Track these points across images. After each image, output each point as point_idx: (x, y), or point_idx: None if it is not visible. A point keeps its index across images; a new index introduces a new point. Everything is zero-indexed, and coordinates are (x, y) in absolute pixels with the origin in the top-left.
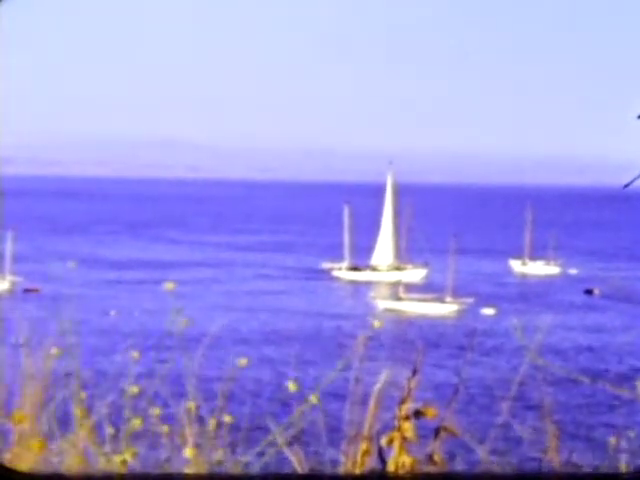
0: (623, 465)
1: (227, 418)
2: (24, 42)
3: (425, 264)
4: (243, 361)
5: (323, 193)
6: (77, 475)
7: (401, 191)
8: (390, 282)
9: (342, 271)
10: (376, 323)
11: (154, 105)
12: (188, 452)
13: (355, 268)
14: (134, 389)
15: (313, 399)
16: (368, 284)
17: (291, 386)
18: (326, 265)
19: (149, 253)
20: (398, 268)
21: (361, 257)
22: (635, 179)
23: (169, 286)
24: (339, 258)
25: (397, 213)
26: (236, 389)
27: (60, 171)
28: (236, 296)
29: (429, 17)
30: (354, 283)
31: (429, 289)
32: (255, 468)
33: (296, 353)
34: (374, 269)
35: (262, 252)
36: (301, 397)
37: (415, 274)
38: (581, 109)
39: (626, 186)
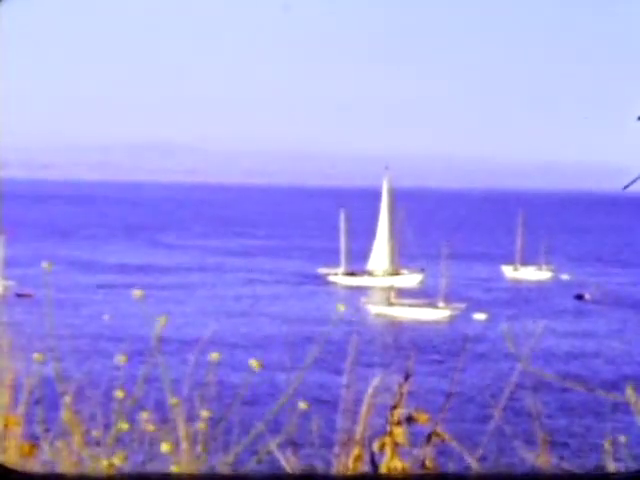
0: (612, 466)
1: (205, 413)
2: (24, 42)
3: (421, 269)
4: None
5: (320, 198)
6: (75, 475)
7: (398, 196)
8: (386, 287)
9: (338, 276)
10: (340, 307)
11: (152, 108)
12: (164, 447)
13: (351, 273)
14: (122, 393)
15: (302, 405)
16: (364, 289)
17: (302, 405)
18: (322, 270)
19: (145, 257)
20: (394, 273)
21: (358, 262)
22: (634, 180)
23: (137, 293)
24: (336, 263)
25: (393, 218)
26: (226, 392)
27: (56, 174)
28: (230, 301)
29: (429, 18)
30: (350, 288)
31: (425, 294)
32: (247, 469)
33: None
34: (370, 274)
35: (258, 257)
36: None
37: (411, 279)
38: (582, 112)
39: (626, 187)
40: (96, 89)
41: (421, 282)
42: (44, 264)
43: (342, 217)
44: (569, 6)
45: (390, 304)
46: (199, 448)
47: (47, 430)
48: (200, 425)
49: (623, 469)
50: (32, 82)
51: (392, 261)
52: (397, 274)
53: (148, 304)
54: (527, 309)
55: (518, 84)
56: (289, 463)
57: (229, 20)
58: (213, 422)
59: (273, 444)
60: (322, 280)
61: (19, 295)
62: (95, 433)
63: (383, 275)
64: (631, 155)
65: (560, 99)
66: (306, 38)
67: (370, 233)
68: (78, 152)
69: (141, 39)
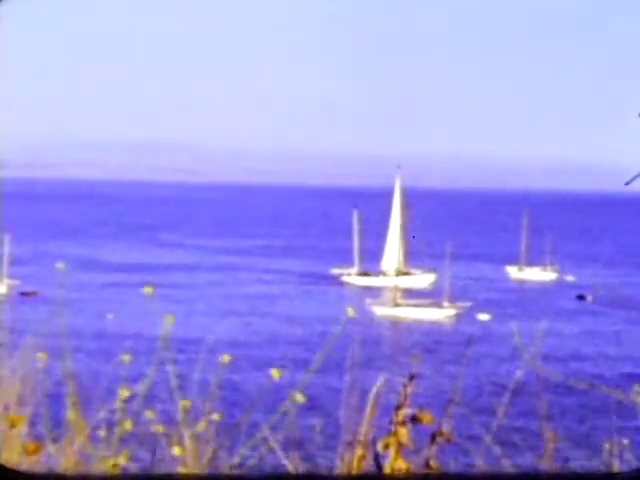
0: (616, 466)
1: (216, 417)
2: (24, 42)
3: (433, 269)
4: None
5: (323, 197)
6: (76, 475)
7: (408, 196)
8: (398, 288)
9: (352, 277)
10: (350, 310)
11: (153, 108)
12: (177, 450)
13: (365, 273)
14: (127, 392)
15: (299, 398)
16: (378, 290)
17: (298, 397)
18: (335, 271)
19: (147, 256)
20: (406, 273)
21: (372, 262)
22: (636, 176)
23: (148, 290)
24: (349, 263)
25: (405, 218)
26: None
27: (57, 174)
28: (235, 301)
29: (430, 17)
30: (363, 289)
31: (436, 295)
32: (250, 469)
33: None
34: (384, 274)
35: (267, 257)
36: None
37: (423, 279)
38: (585, 113)
39: (627, 183)
40: (96, 88)
41: (433, 282)
42: (59, 265)
43: (355, 217)
44: (569, 4)
45: (396, 305)
46: (204, 449)
47: (52, 429)
48: (203, 425)
49: (626, 468)
50: (33, 82)
51: (404, 261)
52: (409, 274)
53: (153, 303)
54: (529, 309)
55: (522, 83)
56: (291, 462)
57: (231, 19)
58: (220, 425)
59: (273, 442)
60: (335, 280)
61: (23, 294)
62: (100, 432)
63: (396, 275)
64: (635, 153)
65: (566, 98)
66: (309, 36)
67: (378, 233)
68: (79, 151)
69: (142, 38)
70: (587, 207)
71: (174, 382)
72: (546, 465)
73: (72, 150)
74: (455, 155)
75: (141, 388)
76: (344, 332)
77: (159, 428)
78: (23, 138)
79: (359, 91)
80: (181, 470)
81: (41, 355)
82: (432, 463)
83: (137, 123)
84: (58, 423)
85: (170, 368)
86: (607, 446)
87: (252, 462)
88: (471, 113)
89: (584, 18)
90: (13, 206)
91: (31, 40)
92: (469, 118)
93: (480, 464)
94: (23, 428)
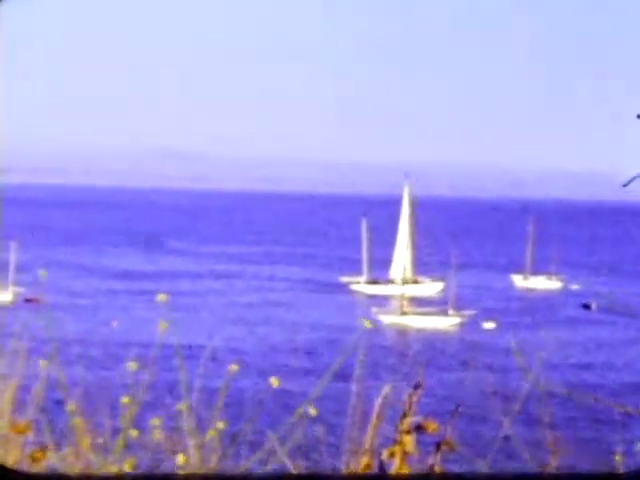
0: (620, 466)
1: (220, 425)
2: (23, 43)
3: (441, 278)
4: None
5: (338, 205)
6: (77, 476)
7: (417, 204)
8: (404, 296)
9: (360, 285)
10: (367, 323)
11: (157, 115)
12: (181, 458)
13: (373, 281)
14: (132, 399)
15: (312, 411)
16: (386, 298)
17: (312, 411)
18: (344, 279)
19: (152, 264)
20: (415, 282)
21: (381, 270)
22: (634, 178)
23: (162, 297)
24: (359, 272)
25: (413, 226)
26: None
27: (62, 180)
28: (241, 308)
29: (433, 18)
30: (371, 297)
31: (444, 303)
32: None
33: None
34: (393, 283)
35: (279, 265)
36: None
37: (431, 288)
38: (591, 120)
39: (625, 185)
40: (98, 91)
41: (441, 291)
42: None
43: (364, 226)
44: (566, 5)
45: (403, 313)
46: (210, 457)
47: (56, 436)
48: (210, 433)
49: (627, 469)
50: (32, 82)
51: (413, 270)
52: (417, 283)
53: (161, 311)
54: (534, 318)
55: (522, 86)
56: (294, 464)
57: (233, 24)
58: (225, 433)
59: (281, 452)
60: (344, 288)
61: (27, 300)
62: (104, 439)
63: (404, 283)
64: (635, 157)
65: (566, 101)
66: (311, 41)
67: (387, 241)
68: (84, 159)
69: (146, 43)
70: (596, 216)
71: (178, 389)
72: (548, 466)
73: (76, 156)
74: (462, 163)
75: (144, 395)
76: (348, 341)
77: (162, 435)
78: (25, 142)
79: (363, 97)
80: (181, 471)
81: (45, 361)
82: (437, 468)
83: (142, 130)
84: (62, 430)
85: (174, 375)
86: (617, 457)
87: (259, 470)
88: (476, 121)
89: (584, 19)
90: (17, 212)
91: (31, 40)
92: (475, 125)
93: (485, 468)
94: (28, 433)
